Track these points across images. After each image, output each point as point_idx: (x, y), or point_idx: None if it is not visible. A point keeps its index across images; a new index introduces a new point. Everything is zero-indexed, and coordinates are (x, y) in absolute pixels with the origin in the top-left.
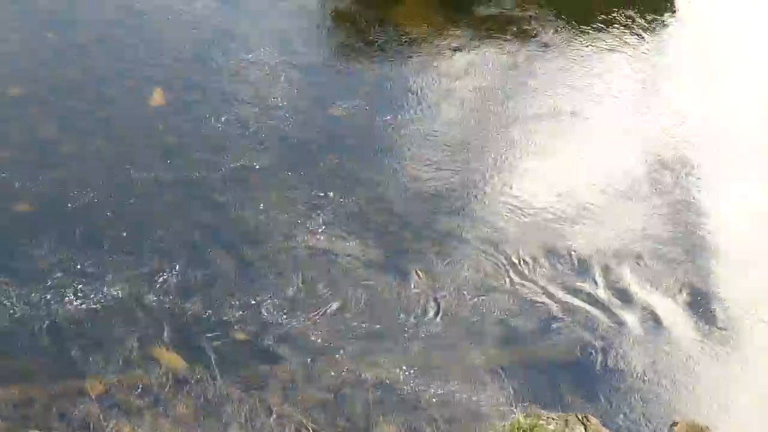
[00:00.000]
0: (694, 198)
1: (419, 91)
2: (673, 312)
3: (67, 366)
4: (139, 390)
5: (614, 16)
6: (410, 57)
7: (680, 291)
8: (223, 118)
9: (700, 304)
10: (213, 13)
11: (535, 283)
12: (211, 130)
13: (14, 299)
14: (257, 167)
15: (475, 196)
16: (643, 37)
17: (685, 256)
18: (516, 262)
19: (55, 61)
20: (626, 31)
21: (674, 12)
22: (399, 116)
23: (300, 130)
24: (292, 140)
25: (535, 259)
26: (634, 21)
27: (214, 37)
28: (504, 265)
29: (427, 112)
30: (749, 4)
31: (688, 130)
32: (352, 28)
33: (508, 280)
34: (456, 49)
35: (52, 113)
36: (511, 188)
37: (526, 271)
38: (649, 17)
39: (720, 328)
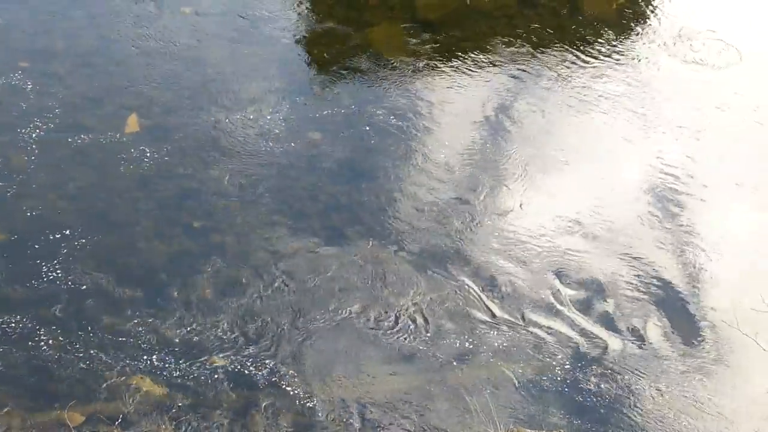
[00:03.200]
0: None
1: (397, 114)
2: (657, 331)
3: (47, 396)
4: (120, 419)
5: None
6: (386, 80)
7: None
8: (199, 144)
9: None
10: (189, 41)
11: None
12: (187, 156)
13: None
14: (235, 192)
15: (461, 219)
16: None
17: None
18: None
19: (28, 90)
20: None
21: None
22: (378, 139)
23: (279, 155)
24: (271, 165)
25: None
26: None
27: (191, 65)
28: (489, 288)
29: (407, 134)
30: None
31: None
32: (329, 53)
33: (492, 302)
34: (430, 71)
35: (26, 142)
36: (498, 216)
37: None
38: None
39: (703, 346)
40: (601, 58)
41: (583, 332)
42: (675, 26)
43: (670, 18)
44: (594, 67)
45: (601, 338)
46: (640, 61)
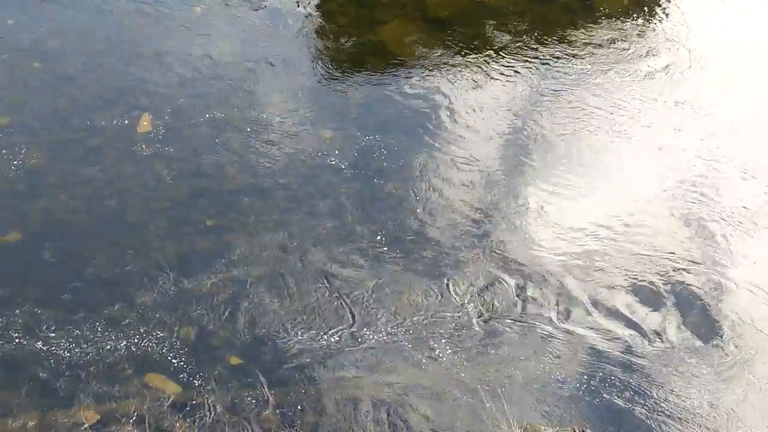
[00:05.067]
0: None
1: (410, 112)
2: (672, 327)
3: (61, 394)
4: (134, 417)
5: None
6: (398, 77)
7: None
8: (211, 143)
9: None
10: (200, 40)
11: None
12: (199, 155)
13: (5, 329)
14: (248, 191)
15: (480, 218)
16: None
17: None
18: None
19: (41, 90)
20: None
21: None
22: (390, 137)
23: (290, 152)
24: (283, 163)
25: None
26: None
27: (202, 64)
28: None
29: (420, 132)
30: None
31: None
32: (340, 51)
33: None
34: (442, 69)
35: (40, 143)
36: (517, 218)
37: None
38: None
39: (721, 342)
40: (615, 55)
41: (599, 330)
42: (685, 24)
43: (684, 15)
44: (605, 64)
45: (617, 335)
46: (657, 59)
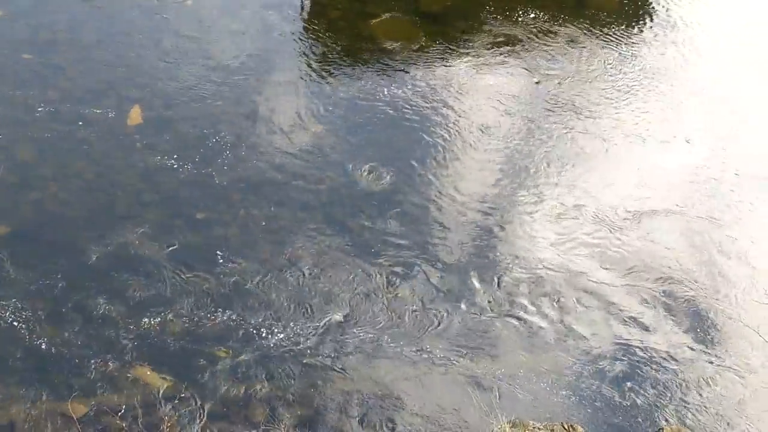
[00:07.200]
0: None
1: (400, 106)
2: (657, 321)
3: (49, 388)
4: (122, 411)
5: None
6: (389, 71)
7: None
8: (201, 136)
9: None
10: (191, 32)
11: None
12: (189, 147)
13: None
14: (238, 184)
15: (470, 213)
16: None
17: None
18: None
19: (32, 82)
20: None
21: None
22: (380, 131)
23: (280, 146)
24: (272, 157)
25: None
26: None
27: (192, 56)
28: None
29: (409, 126)
30: None
31: None
32: (331, 45)
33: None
34: (432, 63)
35: (30, 135)
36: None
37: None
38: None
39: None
40: (604, 49)
41: (591, 324)
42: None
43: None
44: (592, 58)
45: (607, 330)
46: (643, 55)
